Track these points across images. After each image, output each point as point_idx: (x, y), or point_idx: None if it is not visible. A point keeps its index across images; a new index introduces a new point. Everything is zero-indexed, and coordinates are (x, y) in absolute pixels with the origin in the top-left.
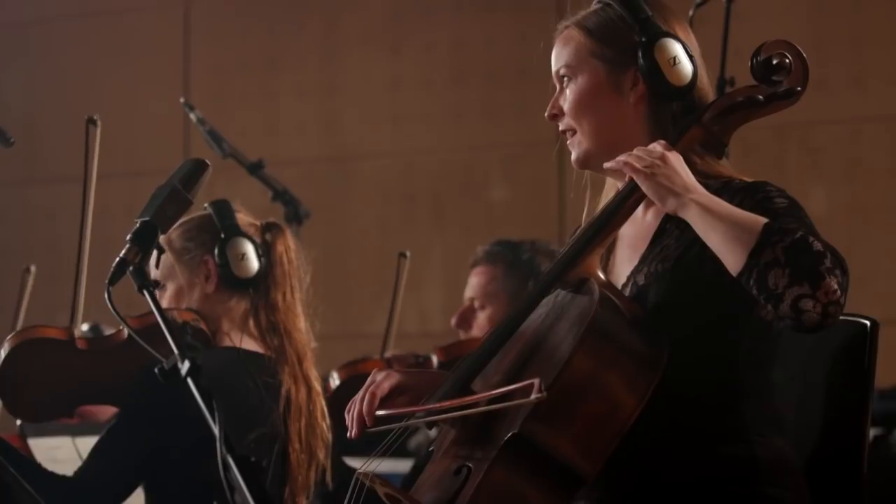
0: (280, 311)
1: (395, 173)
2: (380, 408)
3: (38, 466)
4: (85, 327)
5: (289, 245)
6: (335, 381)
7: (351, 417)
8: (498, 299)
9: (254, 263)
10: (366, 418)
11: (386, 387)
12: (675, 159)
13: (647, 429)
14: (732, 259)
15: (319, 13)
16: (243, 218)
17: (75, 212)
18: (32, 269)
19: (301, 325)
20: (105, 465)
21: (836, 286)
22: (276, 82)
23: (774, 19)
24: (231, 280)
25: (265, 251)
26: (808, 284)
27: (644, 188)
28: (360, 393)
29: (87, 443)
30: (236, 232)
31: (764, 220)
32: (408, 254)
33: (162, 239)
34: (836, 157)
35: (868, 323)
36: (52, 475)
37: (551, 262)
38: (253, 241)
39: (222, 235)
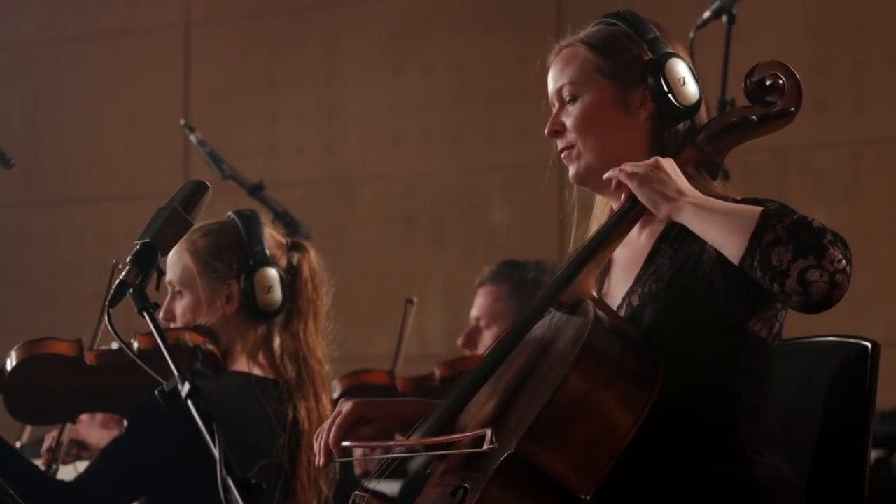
0: (300, 340)
1: (396, 195)
2: (345, 439)
3: (37, 470)
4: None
5: (314, 269)
6: (336, 390)
7: (318, 447)
8: (504, 319)
9: (278, 296)
10: (332, 449)
11: (350, 419)
12: (668, 164)
13: (644, 447)
14: (733, 245)
15: (319, 35)
16: (270, 235)
17: (75, 233)
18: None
19: (320, 353)
20: (108, 474)
21: (840, 256)
22: (276, 104)
23: (775, 41)
24: (253, 309)
25: (290, 277)
26: (813, 256)
27: (638, 194)
28: (327, 423)
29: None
30: (265, 261)
31: (760, 208)
32: (414, 300)
33: (187, 246)
34: (836, 179)
35: (869, 345)
36: (52, 479)
37: None
38: (279, 268)
39: (251, 262)
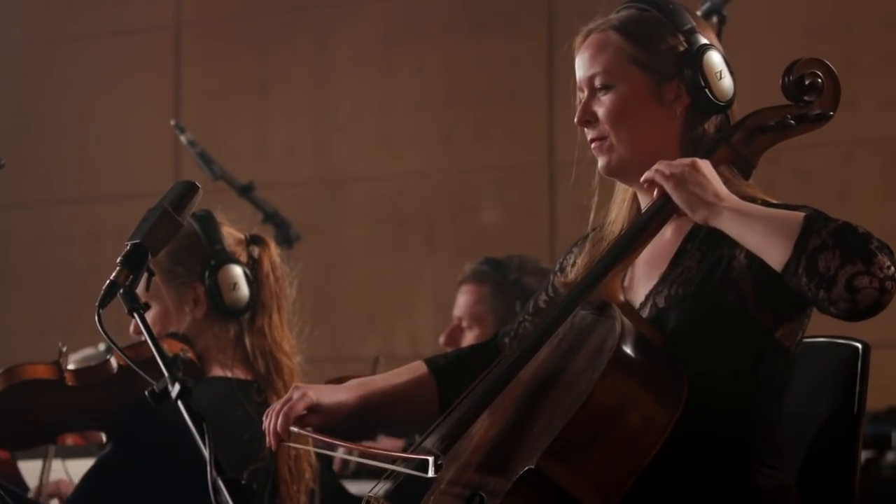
0: (267, 336)
1: (386, 196)
2: (294, 424)
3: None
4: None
5: (274, 260)
6: None
7: (268, 429)
8: (484, 320)
9: (244, 292)
10: (281, 435)
11: (300, 407)
12: (706, 167)
13: (658, 457)
14: (777, 251)
15: (310, 36)
16: (229, 233)
17: (65, 234)
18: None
19: (287, 346)
20: (97, 493)
21: (888, 262)
22: (266, 105)
23: (765, 42)
24: (221, 308)
25: (252, 271)
26: (861, 262)
27: (674, 196)
28: (277, 406)
29: (77, 465)
30: (226, 258)
31: (802, 213)
32: (381, 360)
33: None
34: (827, 180)
35: (860, 346)
36: None
37: (540, 279)
38: (241, 264)
39: (212, 262)
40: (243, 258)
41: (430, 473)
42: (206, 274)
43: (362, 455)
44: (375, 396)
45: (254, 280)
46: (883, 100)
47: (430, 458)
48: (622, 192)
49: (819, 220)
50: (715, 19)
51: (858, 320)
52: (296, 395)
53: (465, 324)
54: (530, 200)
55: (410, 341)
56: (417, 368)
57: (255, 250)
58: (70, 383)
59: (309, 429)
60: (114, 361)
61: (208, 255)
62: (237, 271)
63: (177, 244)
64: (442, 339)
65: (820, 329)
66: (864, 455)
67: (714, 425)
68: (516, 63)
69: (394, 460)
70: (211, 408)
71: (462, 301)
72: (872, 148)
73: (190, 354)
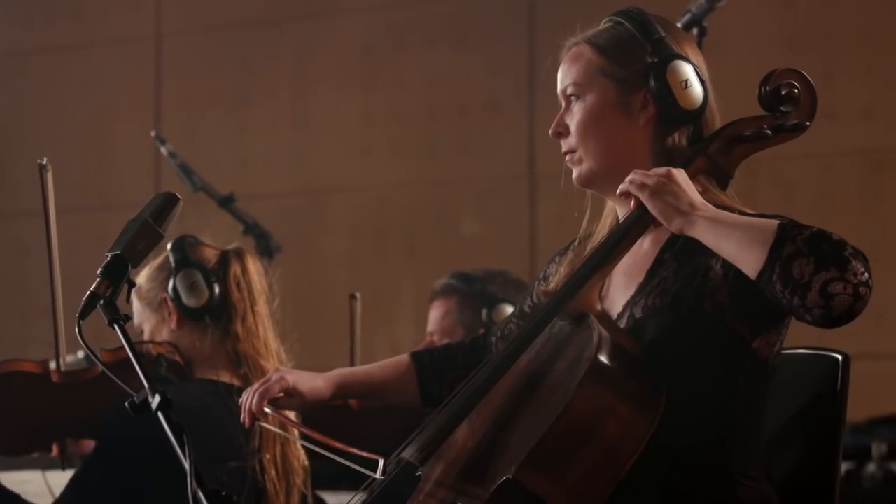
0: (241, 340)
1: (367, 207)
2: (270, 405)
3: (14, 496)
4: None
5: (246, 267)
6: None
7: (244, 407)
8: (455, 332)
9: (204, 291)
10: (255, 412)
11: (276, 388)
12: (681, 176)
13: (637, 466)
14: (751, 259)
15: (291, 48)
16: (205, 250)
17: (45, 245)
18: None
19: (265, 349)
20: (81, 497)
21: (862, 268)
22: (247, 116)
23: (746, 53)
24: (188, 312)
25: (220, 277)
26: (836, 268)
27: (649, 206)
28: (255, 386)
29: (57, 477)
30: (186, 264)
31: (776, 221)
32: (357, 295)
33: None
34: (807, 190)
35: (840, 357)
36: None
37: (505, 288)
38: (205, 270)
39: (174, 269)
40: (215, 267)
41: (378, 475)
42: (169, 282)
43: (319, 445)
44: (353, 386)
45: (217, 283)
46: (863, 111)
47: (381, 461)
48: (612, 211)
49: (793, 227)
50: (695, 30)
51: (833, 327)
52: (274, 377)
53: (436, 338)
54: (511, 212)
55: (391, 352)
56: (401, 362)
57: (227, 258)
58: (55, 380)
59: (280, 411)
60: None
61: (172, 265)
62: (195, 273)
63: (152, 266)
64: None
65: (800, 340)
66: (845, 466)
67: (693, 436)
68: (497, 75)
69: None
70: (192, 402)
71: (432, 316)
72: (852, 159)
73: (176, 356)
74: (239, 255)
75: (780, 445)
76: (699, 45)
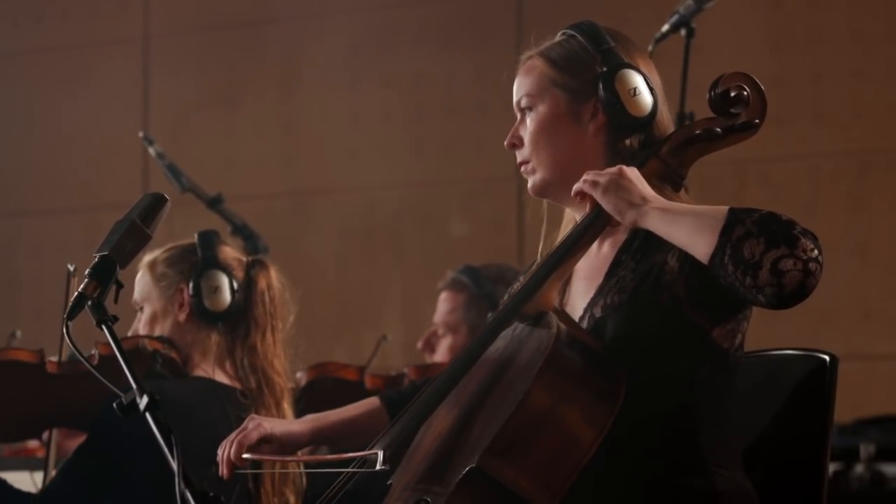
0: (259, 353)
1: (354, 208)
2: (247, 452)
3: (3, 483)
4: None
5: (272, 283)
6: (303, 380)
7: (221, 459)
8: (457, 329)
9: (226, 298)
10: (234, 461)
11: (254, 436)
12: (632, 172)
13: (605, 459)
14: (702, 243)
15: (279, 49)
16: (229, 252)
17: (33, 246)
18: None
19: (279, 366)
20: (70, 485)
21: (812, 245)
22: (235, 117)
23: (734, 54)
24: (202, 312)
25: (245, 288)
26: (785, 246)
27: (603, 203)
28: (231, 436)
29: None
30: (214, 264)
31: (726, 207)
32: (388, 338)
33: (148, 263)
34: (795, 193)
35: (827, 358)
36: (18, 491)
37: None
38: (231, 276)
39: (200, 266)
40: (239, 274)
41: (379, 467)
42: (193, 277)
43: (315, 465)
44: (328, 428)
45: (244, 295)
46: (850, 113)
47: (379, 453)
48: (568, 219)
49: (743, 211)
50: (683, 31)
51: (786, 307)
52: (251, 426)
53: (440, 331)
54: (499, 213)
55: (379, 353)
56: (371, 402)
57: (253, 270)
58: (50, 371)
59: (260, 455)
60: (96, 353)
61: (199, 261)
62: (222, 277)
63: (175, 251)
64: (419, 345)
65: (788, 341)
66: (832, 467)
67: (660, 428)
68: (485, 76)
69: (346, 462)
70: (186, 398)
71: (439, 309)
72: (840, 161)
73: (172, 354)
74: (266, 268)
75: (768, 446)
76: (687, 47)
